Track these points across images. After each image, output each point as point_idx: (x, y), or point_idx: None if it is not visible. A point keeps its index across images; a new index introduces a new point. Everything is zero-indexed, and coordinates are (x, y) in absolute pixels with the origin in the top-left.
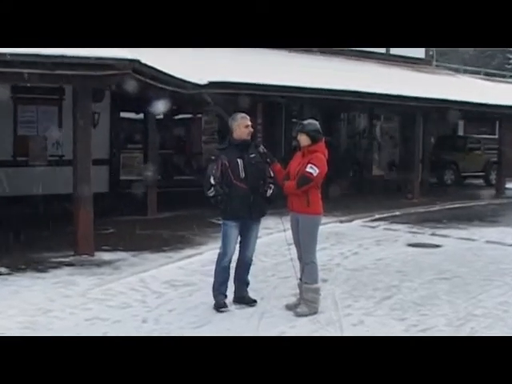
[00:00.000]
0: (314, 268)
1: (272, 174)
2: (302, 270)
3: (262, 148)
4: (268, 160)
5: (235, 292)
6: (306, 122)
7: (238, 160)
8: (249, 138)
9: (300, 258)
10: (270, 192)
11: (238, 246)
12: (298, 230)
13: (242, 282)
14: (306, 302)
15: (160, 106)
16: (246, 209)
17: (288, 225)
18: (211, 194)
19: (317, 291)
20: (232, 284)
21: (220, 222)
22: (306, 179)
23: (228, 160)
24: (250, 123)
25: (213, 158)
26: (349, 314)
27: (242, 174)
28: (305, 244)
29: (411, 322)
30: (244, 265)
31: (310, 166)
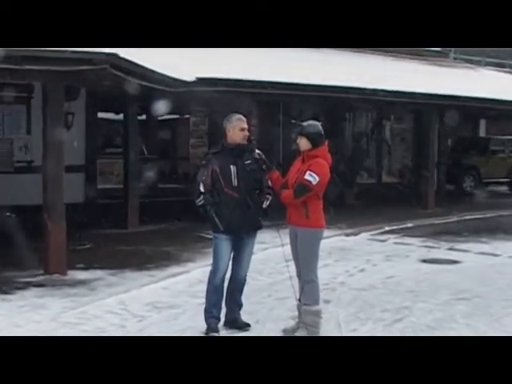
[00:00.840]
0: (315, 287)
1: (270, 184)
2: (302, 290)
3: (257, 153)
4: (264, 167)
5: (226, 314)
6: (305, 123)
7: (231, 166)
8: (244, 142)
9: (299, 276)
10: (266, 203)
11: (231, 262)
12: (296, 245)
13: (234, 304)
14: (305, 325)
15: (158, 107)
16: (237, 221)
17: (286, 239)
18: (200, 203)
19: (318, 314)
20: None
21: (210, 236)
22: (304, 188)
23: (220, 166)
24: (246, 126)
25: (203, 162)
26: None
27: (235, 182)
28: (304, 260)
29: None
30: (237, 284)
31: (309, 173)
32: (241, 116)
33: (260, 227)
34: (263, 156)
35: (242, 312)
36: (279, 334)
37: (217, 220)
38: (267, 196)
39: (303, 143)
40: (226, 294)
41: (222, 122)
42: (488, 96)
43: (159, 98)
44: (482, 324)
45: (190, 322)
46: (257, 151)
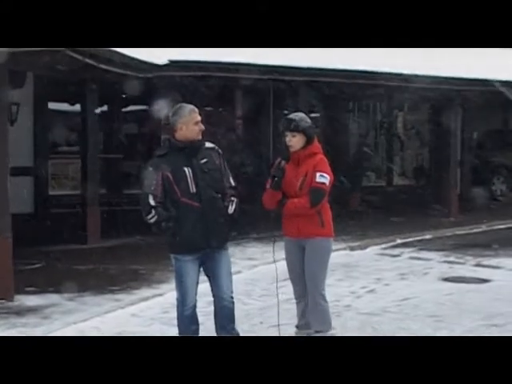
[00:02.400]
0: (327, 309)
1: (233, 184)
2: (302, 315)
3: (211, 147)
4: (276, 179)
5: None
6: (294, 116)
7: (185, 169)
8: (199, 137)
9: (300, 298)
10: (232, 207)
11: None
12: (301, 261)
13: (226, 333)
14: None
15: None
16: (200, 235)
17: (279, 254)
18: (152, 220)
19: None
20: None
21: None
22: (320, 193)
23: (171, 171)
24: (200, 118)
25: (150, 169)
26: None
27: (193, 188)
28: (315, 277)
29: None
30: (222, 311)
31: (319, 174)
32: (192, 106)
33: (228, 239)
34: (219, 150)
35: None
36: None
37: (176, 237)
38: (231, 199)
39: (297, 141)
40: (215, 324)
41: (165, 117)
42: None
43: (125, 85)
44: None
45: None
46: (211, 145)
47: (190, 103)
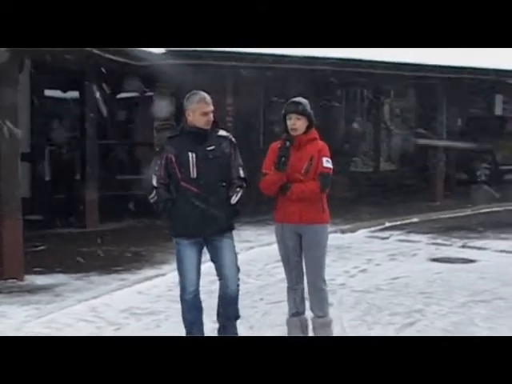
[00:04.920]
0: (327, 294)
1: (242, 175)
2: (300, 302)
3: (224, 135)
4: (283, 159)
5: (219, 330)
6: (300, 100)
7: (190, 154)
8: (207, 127)
9: (297, 285)
10: (235, 198)
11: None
12: (299, 247)
13: (226, 319)
14: None
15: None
16: (196, 220)
17: (269, 238)
18: (152, 201)
19: (331, 325)
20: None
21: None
22: (329, 178)
23: (175, 154)
24: (209, 109)
25: (158, 150)
26: None
27: (194, 174)
28: (317, 263)
29: None
30: (227, 299)
31: (326, 159)
32: (204, 96)
33: (228, 228)
34: (233, 139)
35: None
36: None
37: (174, 222)
38: (237, 189)
39: (301, 125)
40: (217, 308)
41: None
42: (505, 67)
43: (121, 73)
44: (506, 328)
45: (174, 330)
46: (224, 133)
47: (184, 91)
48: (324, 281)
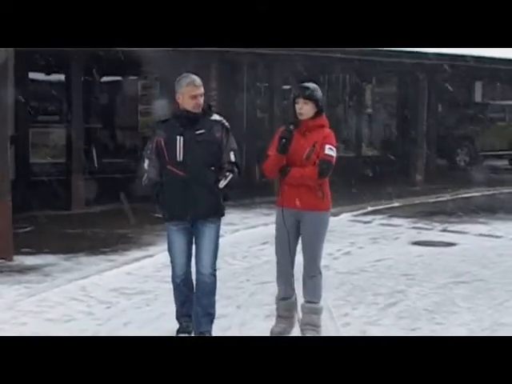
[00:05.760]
0: (321, 282)
1: (233, 159)
2: (291, 287)
3: (216, 120)
4: (284, 141)
5: (193, 326)
6: (309, 84)
7: (178, 137)
8: (197, 111)
9: (290, 271)
10: (223, 183)
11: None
12: (297, 233)
13: (199, 313)
14: (313, 328)
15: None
16: (182, 204)
17: (253, 221)
18: (144, 184)
19: (320, 312)
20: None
21: None
22: (329, 166)
23: (165, 137)
24: (199, 92)
25: (150, 134)
26: (348, 324)
27: (180, 157)
28: (315, 249)
29: (424, 332)
30: (198, 286)
31: (328, 147)
32: (193, 79)
33: (215, 213)
34: (226, 123)
35: (221, 298)
36: (265, 320)
37: (161, 205)
38: (227, 174)
39: (308, 110)
40: (194, 297)
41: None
42: (484, 54)
43: (106, 58)
44: (485, 307)
45: (164, 309)
46: (217, 117)
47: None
48: (319, 268)
